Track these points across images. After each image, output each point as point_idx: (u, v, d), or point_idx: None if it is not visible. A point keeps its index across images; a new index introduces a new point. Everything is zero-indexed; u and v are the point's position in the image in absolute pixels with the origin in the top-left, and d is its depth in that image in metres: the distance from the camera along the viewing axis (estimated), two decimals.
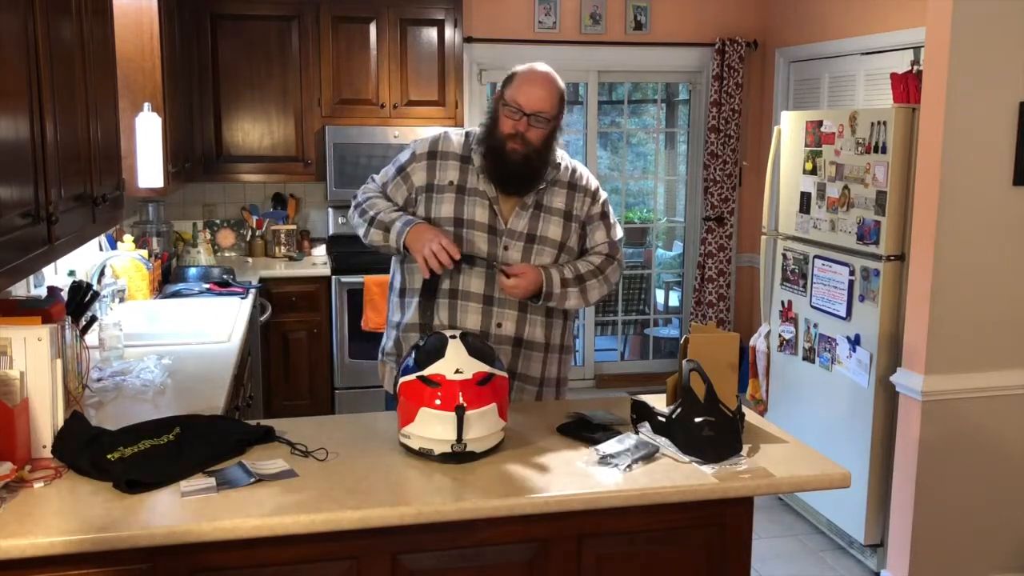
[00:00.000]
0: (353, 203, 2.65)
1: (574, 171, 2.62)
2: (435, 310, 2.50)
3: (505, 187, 2.49)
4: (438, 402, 1.96)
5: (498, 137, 2.44)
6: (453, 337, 2.04)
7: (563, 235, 2.55)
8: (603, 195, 2.66)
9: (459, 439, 1.96)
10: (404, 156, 2.61)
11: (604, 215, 2.64)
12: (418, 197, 2.54)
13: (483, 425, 1.98)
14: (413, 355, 2.05)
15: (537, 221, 2.52)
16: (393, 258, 2.64)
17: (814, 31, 5.30)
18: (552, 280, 2.47)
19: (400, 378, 2.04)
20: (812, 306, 3.92)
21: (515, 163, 2.43)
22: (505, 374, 2.08)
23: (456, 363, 1.98)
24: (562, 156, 2.61)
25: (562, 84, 2.51)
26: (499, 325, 2.50)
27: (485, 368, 2.00)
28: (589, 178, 2.65)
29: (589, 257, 2.59)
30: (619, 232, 2.67)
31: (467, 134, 2.59)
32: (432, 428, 1.97)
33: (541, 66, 2.50)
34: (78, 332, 2.30)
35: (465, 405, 1.95)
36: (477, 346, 2.06)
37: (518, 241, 2.50)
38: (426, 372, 1.98)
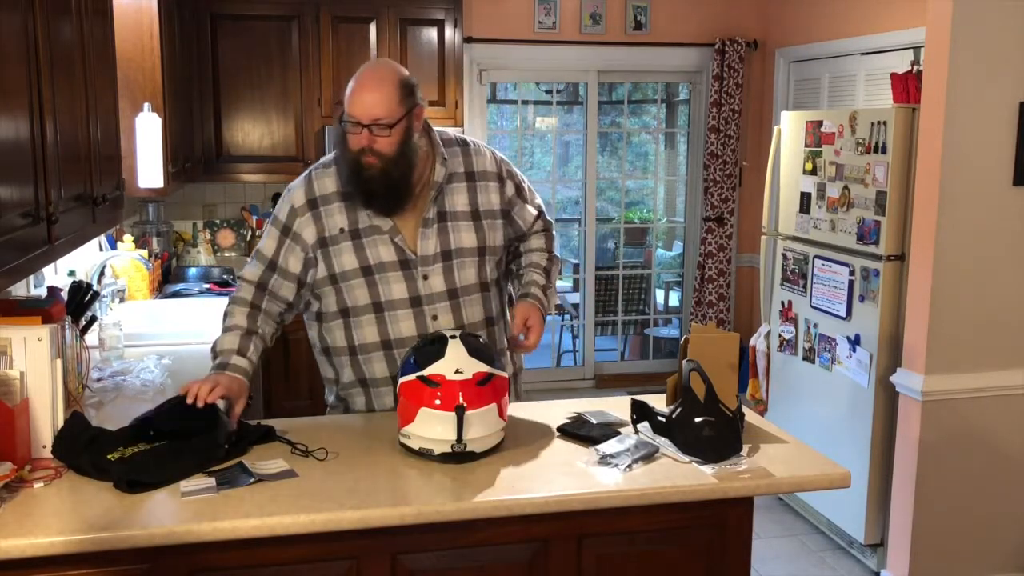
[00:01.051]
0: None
1: (466, 156, 2.38)
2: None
3: (373, 206, 2.25)
4: (438, 402, 1.95)
5: (349, 156, 2.20)
6: (453, 337, 2.04)
7: (478, 238, 2.35)
8: (505, 167, 2.44)
9: (459, 439, 1.96)
10: (282, 213, 2.32)
11: (519, 190, 2.45)
12: (315, 255, 2.29)
13: (483, 425, 1.98)
14: (413, 355, 2.05)
15: (446, 234, 2.31)
16: (305, 316, 2.44)
17: (814, 31, 5.30)
18: (543, 300, 2.39)
19: (400, 378, 2.04)
20: (812, 306, 3.92)
21: (374, 178, 2.19)
22: (505, 374, 2.07)
23: (456, 363, 1.98)
24: (448, 145, 2.36)
25: (403, 74, 2.22)
26: (434, 318, 2.33)
27: (485, 368, 2.00)
28: (488, 159, 2.41)
29: (533, 242, 2.49)
30: (537, 196, 2.53)
31: (336, 163, 2.31)
32: (432, 428, 1.96)
33: (373, 65, 2.25)
34: (78, 332, 2.30)
35: (465, 405, 1.95)
36: (477, 346, 2.05)
37: (434, 264, 2.30)
38: (426, 372, 1.98)
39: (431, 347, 2.03)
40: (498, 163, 2.44)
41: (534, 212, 2.49)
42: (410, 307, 2.30)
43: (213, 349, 2.27)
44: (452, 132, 2.44)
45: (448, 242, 2.32)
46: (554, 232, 2.57)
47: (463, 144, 2.41)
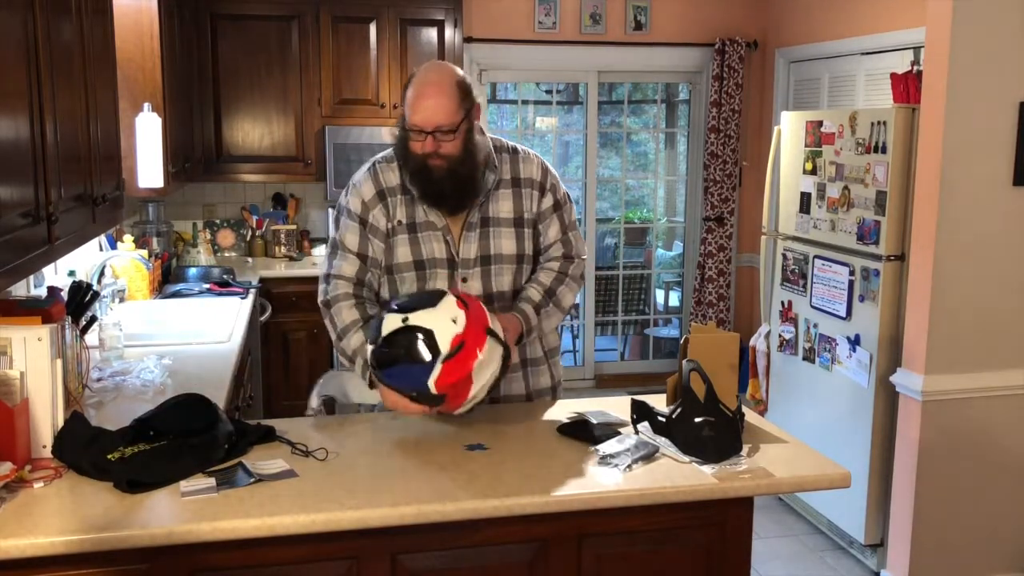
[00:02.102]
0: (321, 286, 2.39)
1: (514, 162, 2.41)
2: None
3: (444, 206, 2.31)
4: (479, 351, 2.00)
5: (415, 160, 2.25)
6: (406, 320, 2.02)
7: (518, 247, 2.38)
8: (552, 180, 2.43)
9: (507, 351, 2.09)
10: (354, 206, 2.36)
11: (557, 206, 2.44)
12: (387, 241, 2.36)
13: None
14: (411, 357, 2.01)
15: (488, 239, 2.36)
16: None
17: (814, 31, 5.30)
18: (528, 315, 2.33)
19: (430, 377, 1.99)
20: (812, 306, 3.92)
21: (443, 179, 2.24)
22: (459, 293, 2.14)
23: (447, 315, 2.00)
24: (499, 151, 2.39)
25: (459, 75, 2.26)
26: None
27: (452, 305, 2.04)
28: (536, 167, 2.42)
29: (547, 264, 2.43)
30: (573, 217, 2.48)
31: (399, 161, 2.36)
32: (489, 368, 2.04)
33: (430, 70, 2.27)
34: (78, 332, 2.30)
35: (492, 326, 2.03)
36: (423, 297, 2.09)
37: (474, 268, 2.35)
38: (449, 349, 1.98)
39: (413, 336, 2.01)
40: (544, 173, 2.43)
41: (557, 233, 2.43)
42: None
43: (345, 354, 2.32)
44: (504, 139, 2.46)
45: (488, 247, 2.36)
46: (579, 263, 2.47)
47: (513, 151, 2.43)
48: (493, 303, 2.37)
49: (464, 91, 2.25)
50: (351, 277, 2.36)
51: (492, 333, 2.04)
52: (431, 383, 2.00)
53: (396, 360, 2.03)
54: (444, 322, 1.99)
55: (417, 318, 2.00)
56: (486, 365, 2.05)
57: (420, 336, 2.00)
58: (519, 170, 2.41)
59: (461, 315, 2.01)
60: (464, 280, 2.36)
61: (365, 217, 2.36)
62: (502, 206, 2.38)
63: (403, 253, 2.35)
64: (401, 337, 2.01)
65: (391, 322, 2.03)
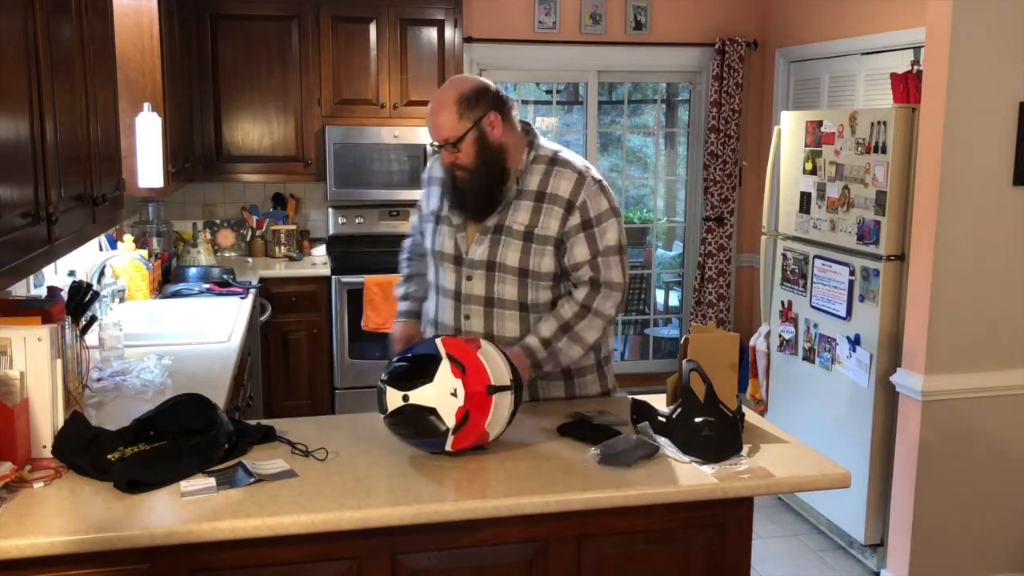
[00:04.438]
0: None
1: (546, 175, 2.37)
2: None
3: (468, 213, 2.41)
4: (486, 414, 1.99)
5: (447, 171, 2.41)
6: (406, 399, 1.99)
7: (522, 260, 2.36)
8: (586, 196, 2.34)
9: (519, 390, 2.08)
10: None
11: (586, 225, 2.35)
12: (423, 224, 2.61)
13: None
14: (422, 434, 1.99)
15: (497, 246, 2.37)
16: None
17: (814, 31, 5.30)
18: (533, 349, 2.33)
19: (446, 446, 1.99)
20: (812, 306, 3.92)
21: (465, 189, 2.36)
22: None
23: (445, 390, 1.96)
24: (537, 161, 2.40)
25: (463, 88, 2.34)
26: (467, 317, 2.42)
27: (450, 365, 1.99)
28: (570, 181, 2.36)
29: (574, 294, 2.39)
30: (610, 239, 2.36)
31: None
32: (503, 414, 2.03)
33: (440, 90, 2.39)
34: (78, 332, 2.30)
35: (494, 382, 2.00)
36: (418, 363, 2.01)
37: (479, 270, 2.40)
38: (455, 423, 1.95)
39: (417, 415, 1.98)
40: (579, 188, 2.35)
41: (585, 255, 2.36)
42: (452, 299, 2.45)
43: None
44: (553, 147, 2.46)
45: (496, 254, 2.39)
46: (607, 293, 2.38)
47: (551, 162, 2.40)
48: (494, 307, 2.40)
49: (468, 103, 2.32)
50: (407, 246, 2.74)
51: (495, 389, 1.99)
52: (448, 448, 1.99)
53: (408, 434, 2.02)
54: (444, 397, 1.96)
55: (417, 396, 1.96)
56: (499, 416, 2.02)
57: (424, 413, 1.97)
58: (548, 183, 2.37)
59: (459, 385, 1.96)
60: (469, 278, 2.42)
61: (423, 192, 2.63)
62: (518, 217, 2.37)
63: (428, 240, 2.54)
64: (406, 415, 1.98)
65: (393, 398, 1.99)
